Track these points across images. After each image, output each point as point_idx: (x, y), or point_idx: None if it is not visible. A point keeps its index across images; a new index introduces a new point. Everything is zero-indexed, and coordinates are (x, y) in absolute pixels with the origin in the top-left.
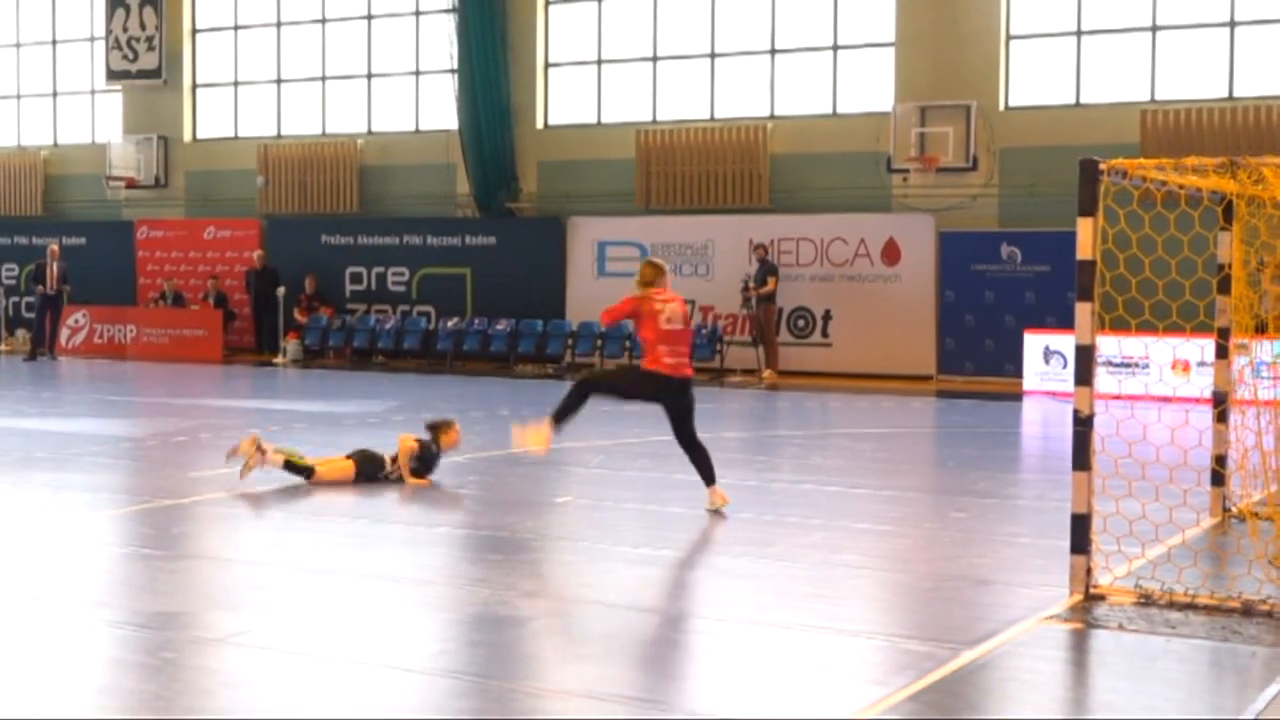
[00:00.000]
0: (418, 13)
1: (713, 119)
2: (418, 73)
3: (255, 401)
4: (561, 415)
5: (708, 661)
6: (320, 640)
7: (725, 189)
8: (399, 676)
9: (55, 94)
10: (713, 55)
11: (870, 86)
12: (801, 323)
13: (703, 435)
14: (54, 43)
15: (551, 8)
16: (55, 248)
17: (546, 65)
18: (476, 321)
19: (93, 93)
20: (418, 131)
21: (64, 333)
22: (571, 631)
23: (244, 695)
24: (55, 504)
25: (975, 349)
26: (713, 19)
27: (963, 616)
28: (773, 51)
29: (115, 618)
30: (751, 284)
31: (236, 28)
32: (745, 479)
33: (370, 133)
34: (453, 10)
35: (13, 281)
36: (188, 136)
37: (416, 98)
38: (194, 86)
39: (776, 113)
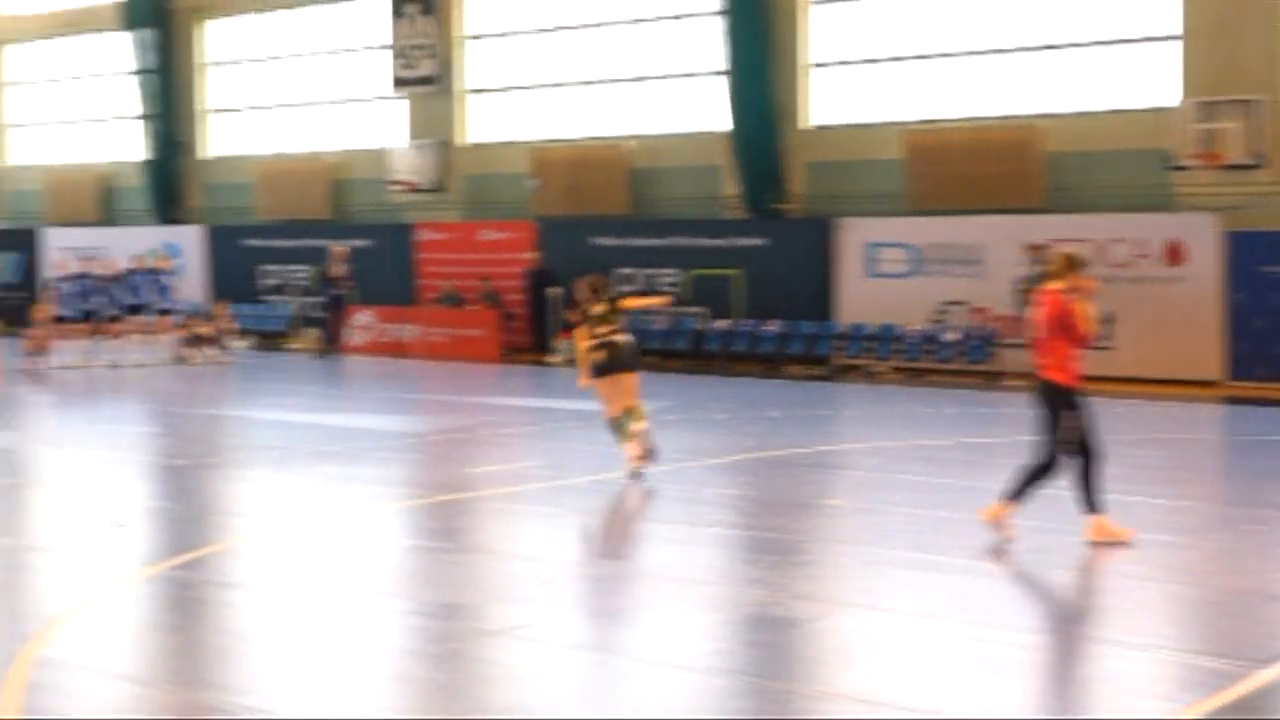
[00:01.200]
0: (686, 15)
1: (983, 117)
2: (687, 75)
3: (531, 400)
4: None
5: (985, 671)
6: (598, 636)
7: (997, 188)
8: (676, 675)
9: (343, 102)
10: (981, 52)
11: (1150, 81)
12: None
13: (979, 440)
14: (341, 52)
15: (814, 7)
16: (339, 249)
17: (811, 65)
18: (746, 322)
19: (378, 100)
20: (686, 133)
21: (350, 332)
22: (846, 635)
23: (526, 688)
24: (345, 496)
25: (1267, 354)
26: (981, 14)
27: (1256, 633)
28: (1045, 48)
29: (404, 608)
30: (1028, 286)
31: (508, 34)
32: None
33: (640, 135)
34: (722, 12)
35: (303, 282)
36: (464, 141)
37: (686, 100)
38: (469, 92)
39: (1050, 110)
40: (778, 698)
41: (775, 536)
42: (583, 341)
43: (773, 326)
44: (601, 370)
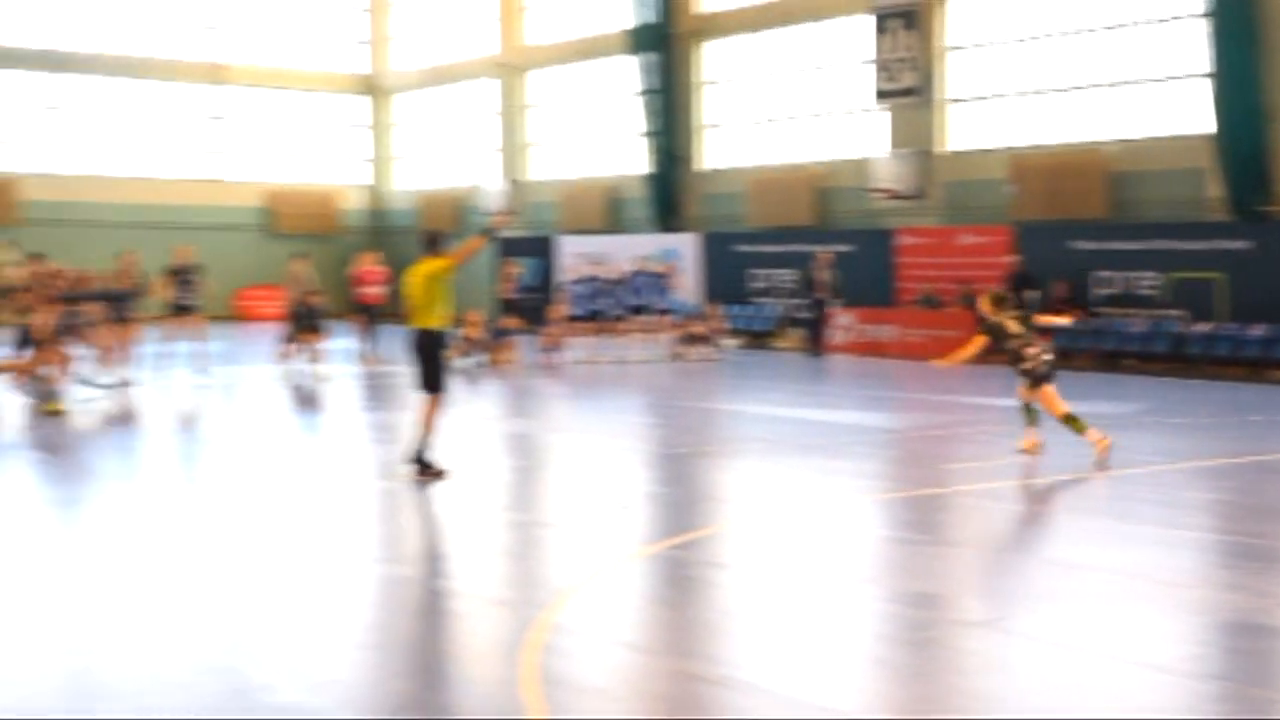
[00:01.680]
0: (1169, 19)
1: None
2: (1169, 79)
3: (1005, 399)
4: None
5: None
6: (1073, 631)
7: None
8: (1153, 675)
9: (826, 115)
10: None
11: None
12: None
13: None
14: (825, 67)
15: None
16: (824, 255)
17: None
18: (1230, 326)
19: (861, 112)
20: (1168, 136)
21: (832, 332)
22: None
23: (1001, 679)
24: (826, 487)
25: None
26: None
27: None
28: None
29: (881, 594)
30: None
31: (989, 44)
32: None
33: (1120, 139)
34: (1208, 14)
35: (791, 285)
36: (944, 149)
37: (1167, 103)
38: (948, 102)
39: None
40: (1262, 705)
41: (1258, 543)
42: (972, 347)
43: (1258, 330)
44: (1042, 379)
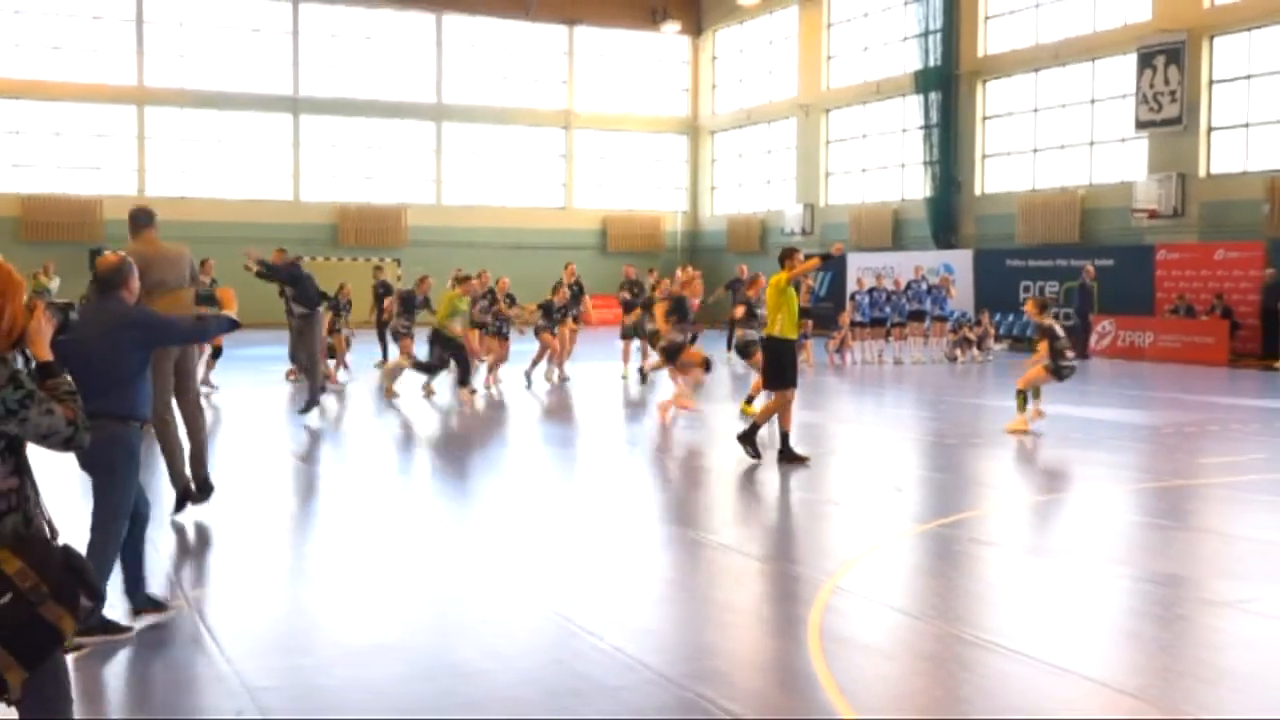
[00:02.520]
0: None
1: None
2: None
3: (1257, 400)
4: None
5: None
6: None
7: None
8: None
9: (1090, 143)
10: None
11: None
12: None
13: None
14: (1092, 102)
15: None
16: (1091, 268)
17: None
18: None
19: (1123, 140)
20: None
21: (1093, 338)
22: None
23: (1248, 656)
24: (1084, 476)
25: None
26: None
27: None
28: None
29: (1132, 574)
30: None
31: (1249, 76)
32: None
33: None
34: None
35: (1053, 295)
36: (1202, 173)
37: None
38: (1209, 130)
39: None
40: None
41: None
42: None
43: None
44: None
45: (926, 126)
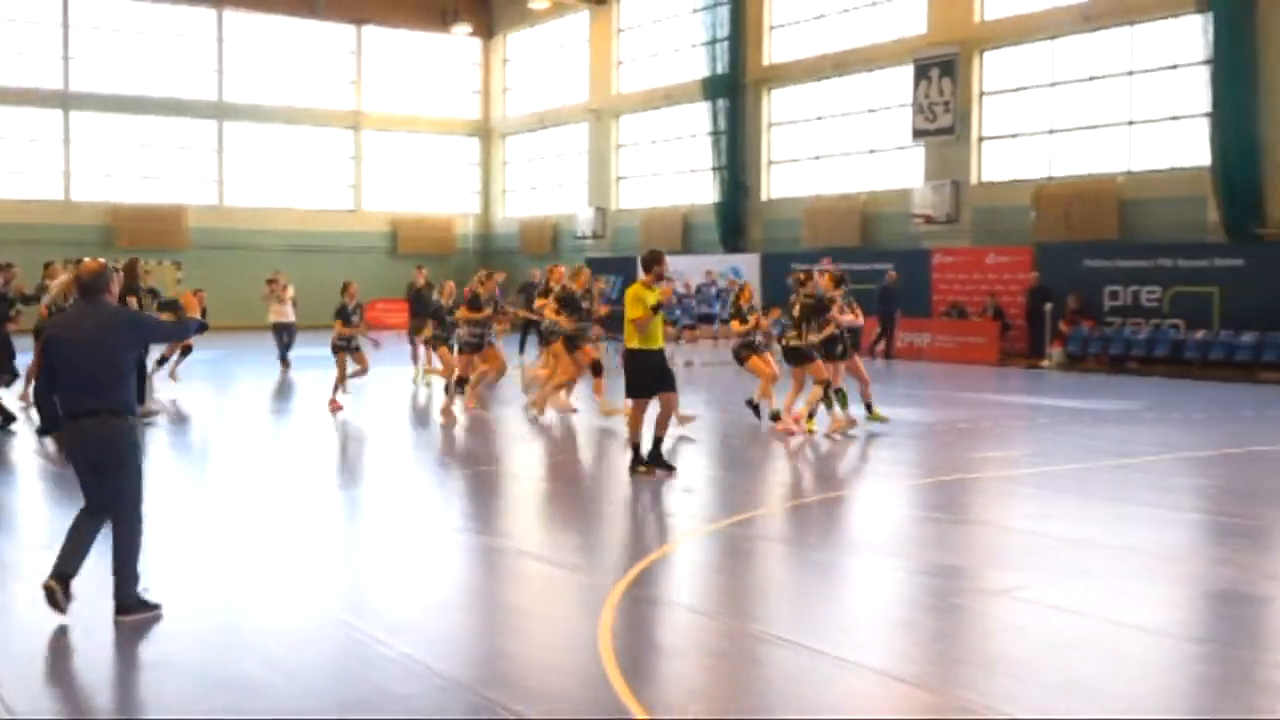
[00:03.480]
0: (1174, 66)
1: None
2: (1173, 118)
3: (1024, 398)
4: None
5: None
6: (1079, 600)
7: None
8: (1148, 637)
9: (871, 151)
10: None
11: None
12: None
13: None
14: (872, 111)
15: None
16: (893, 273)
17: None
18: (1223, 333)
19: (901, 149)
20: (1172, 169)
21: (873, 339)
22: None
23: (1021, 642)
24: (865, 474)
25: None
26: None
27: None
28: None
29: (910, 566)
30: None
31: (1017, 89)
32: None
33: (1129, 172)
34: (1207, 61)
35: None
36: (974, 180)
37: (1172, 139)
38: (980, 139)
39: None
40: (1244, 665)
41: (1244, 522)
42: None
43: (1248, 337)
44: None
45: (715, 133)
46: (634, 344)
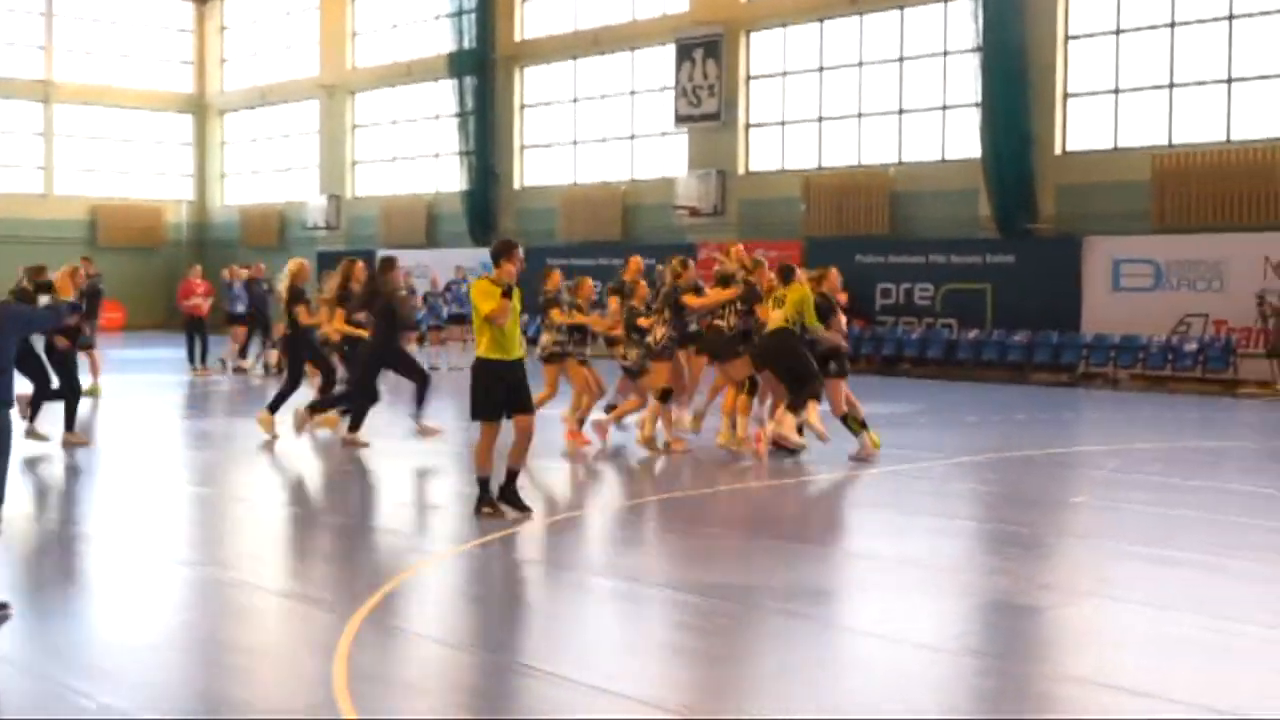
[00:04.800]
0: (944, 54)
1: (1228, 141)
2: (944, 108)
3: None
4: None
5: (1217, 660)
6: (859, 615)
7: (1240, 208)
8: (924, 654)
9: (632, 137)
10: (1230, 80)
11: None
12: None
13: (1217, 443)
14: (632, 93)
15: (1071, 42)
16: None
17: (1065, 95)
18: (995, 333)
19: (664, 135)
20: (943, 161)
21: None
22: (1084, 622)
23: (791, 661)
24: (622, 489)
25: None
26: (1230, 44)
27: None
28: None
29: (672, 585)
30: (1269, 300)
31: (784, 74)
32: (1260, 486)
33: (900, 162)
34: (977, 49)
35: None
36: (741, 170)
37: (943, 130)
38: (747, 126)
39: None
40: (1019, 679)
41: (1019, 530)
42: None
43: (1020, 337)
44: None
45: (462, 113)
46: (487, 352)
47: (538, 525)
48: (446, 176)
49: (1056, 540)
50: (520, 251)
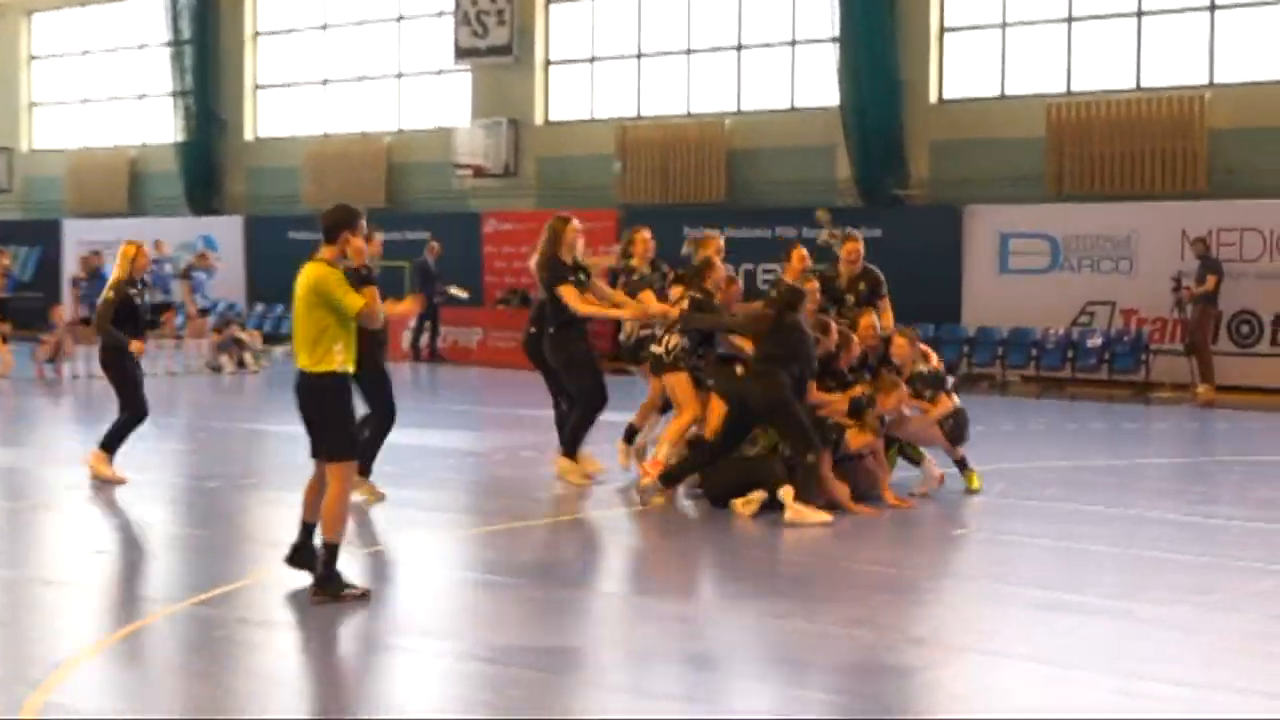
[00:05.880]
0: None
1: (1138, 89)
2: (794, 43)
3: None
4: None
5: None
6: (701, 691)
7: (1153, 171)
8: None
9: (401, 76)
10: (1140, 14)
11: None
12: (1246, 328)
13: (1128, 461)
14: (400, 19)
15: None
16: (436, 244)
17: (942, 31)
18: None
19: (441, 74)
20: (793, 109)
21: (405, 335)
22: (966, 685)
23: None
24: (393, 521)
25: None
26: None
27: None
28: (1211, 8)
29: (456, 649)
30: (1186, 284)
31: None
32: (1178, 513)
33: (739, 112)
34: None
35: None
36: (539, 120)
37: (792, 72)
38: (547, 64)
39: (1216, 80)
40: None
41: (884, 570)
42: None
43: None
44: None
45: (176, 42)
46: (345, 364)
47: (277, 574)
48: (156, 125)
49: (931, 582)
50: (365, 223)
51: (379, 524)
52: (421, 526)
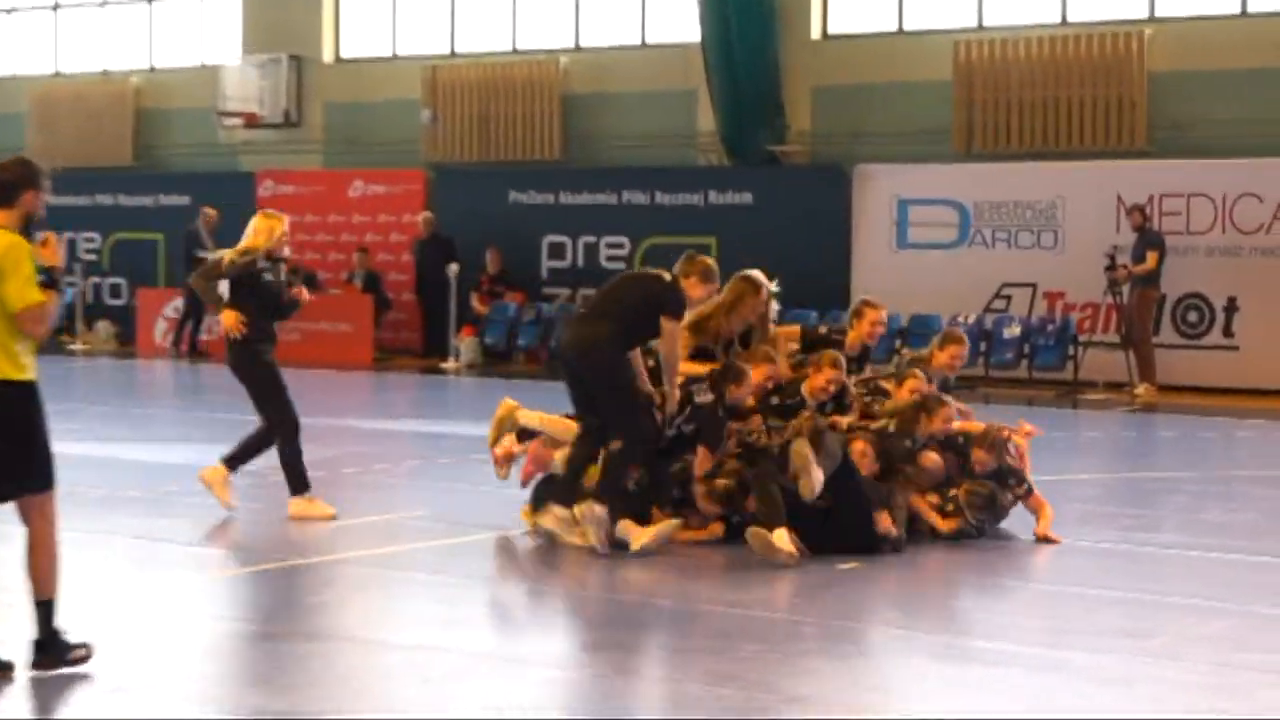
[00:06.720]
0: None
1: (1064, 23)
2: None
3: (415, 423)
4: None
5: None
6: None
7: (1082, 125)
8: None
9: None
10: None
11: None
12: (1194, 316)
13: (1050, 476)
14: None
15: None
16: (212, 212)
17: None
18: None
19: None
20: (643, 46)
21: (160, 325)
22: None
23: None
24: (141, 558)
25: None
26: None
27: None
28: None
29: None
30: (1122, 261)
31: None
32: (1110, 540)
33: (577, 48)
34: None
35: (93, 257)
36: (328, 57)
37: (643, 3)
38: None
39: (1157, 13)
40: None
41: (756, 614)
42: None
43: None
44: None
45: None
46: (33, 372)
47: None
48: None
49: (816, 628)
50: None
51: (123, 565)
52: (178, 564)
